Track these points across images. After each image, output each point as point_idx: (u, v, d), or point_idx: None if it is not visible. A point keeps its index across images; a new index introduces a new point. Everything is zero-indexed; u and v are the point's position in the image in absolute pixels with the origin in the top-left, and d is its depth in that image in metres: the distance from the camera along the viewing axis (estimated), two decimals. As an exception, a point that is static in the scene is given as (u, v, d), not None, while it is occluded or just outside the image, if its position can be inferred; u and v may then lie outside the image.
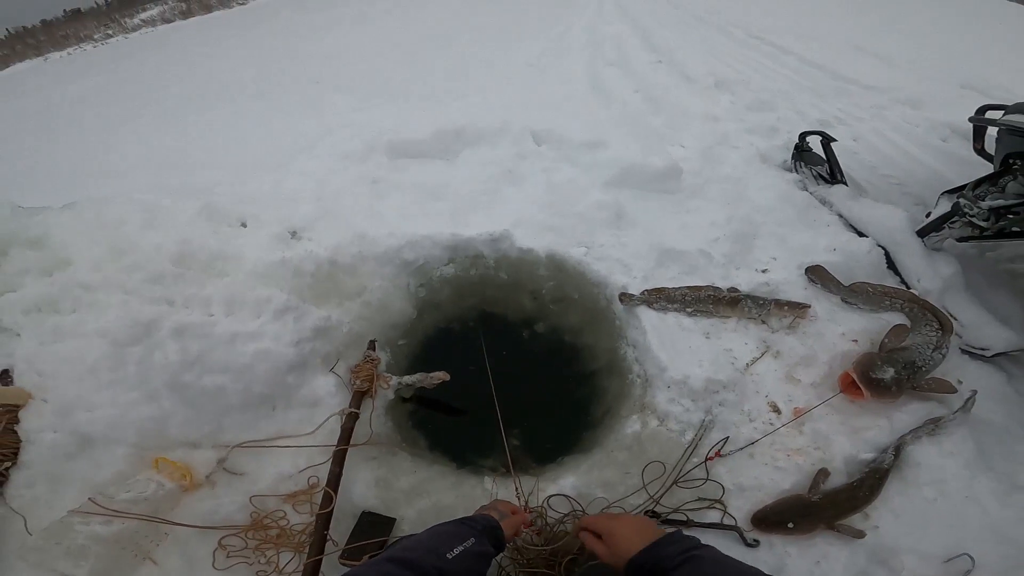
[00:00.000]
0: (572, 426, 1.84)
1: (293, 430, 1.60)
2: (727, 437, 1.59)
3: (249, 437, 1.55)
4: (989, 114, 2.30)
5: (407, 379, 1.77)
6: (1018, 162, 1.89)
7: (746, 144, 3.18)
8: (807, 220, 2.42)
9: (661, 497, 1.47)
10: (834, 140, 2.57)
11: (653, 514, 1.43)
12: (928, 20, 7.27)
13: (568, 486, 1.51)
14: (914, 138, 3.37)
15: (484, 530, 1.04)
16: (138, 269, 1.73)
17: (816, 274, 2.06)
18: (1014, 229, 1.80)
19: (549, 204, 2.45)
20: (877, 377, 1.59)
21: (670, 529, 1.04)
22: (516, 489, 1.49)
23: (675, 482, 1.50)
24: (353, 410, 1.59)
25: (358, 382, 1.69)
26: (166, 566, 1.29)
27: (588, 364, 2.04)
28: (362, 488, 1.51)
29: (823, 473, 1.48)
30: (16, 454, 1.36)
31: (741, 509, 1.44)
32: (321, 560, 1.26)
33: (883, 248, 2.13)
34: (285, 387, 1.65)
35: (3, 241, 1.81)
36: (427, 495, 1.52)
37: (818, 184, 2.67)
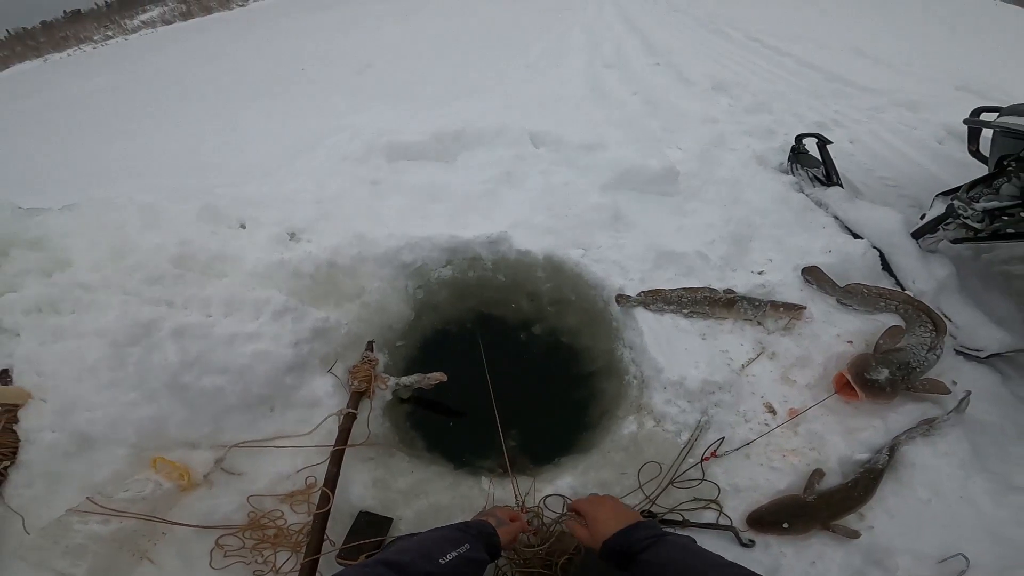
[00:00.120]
0: (569, 427, 1.84)
1: (291, 430, 1.60)
2: (723, 438, 1.60)
3: (247, 437, 1.55)
4: (984, 116, 2.32)
5: (405, 380, 1.78)
6: (1013, 164, 1.90)
7: (743, 146, 3.19)
8: (803, 222, 2.43)
9: (657, 497, 1.47)
10: (830, 142, 2.59)
11: (649, 514, 1.44)
12: (925, 23, 7.31)
13: (565, 486, 1.52)
14: (910, 140, 3.39)
15: (479, 536, 1.03)
16: (138, 270, 1.74)
17: (812, 275, 2.07)
18: (1008, 231, 1.82)
19: (547, 206, 2.46)
20: (872, 378, 1.60)
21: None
22: (514, 489, 1.50)
23: (671, 482, 1.50)
24: (351, 411, 1.60)
25: (356, 383, 1.69)
26: (164, 565, 1.29)
27: (585, 365, 2.04)
28: (359, 488, 1.52)
29: (818, 474, 1.49)
30: (15, 453, 1.36)
31: (737, 509, 1.45)
32: (318, 560, 1.26)
33: (878, 250, 2.14)
34: (283, 388, 1.65)
35: (3, 242, 1.81)
36: (424, 495, 1.52)
37: (814, 186, 2.68)
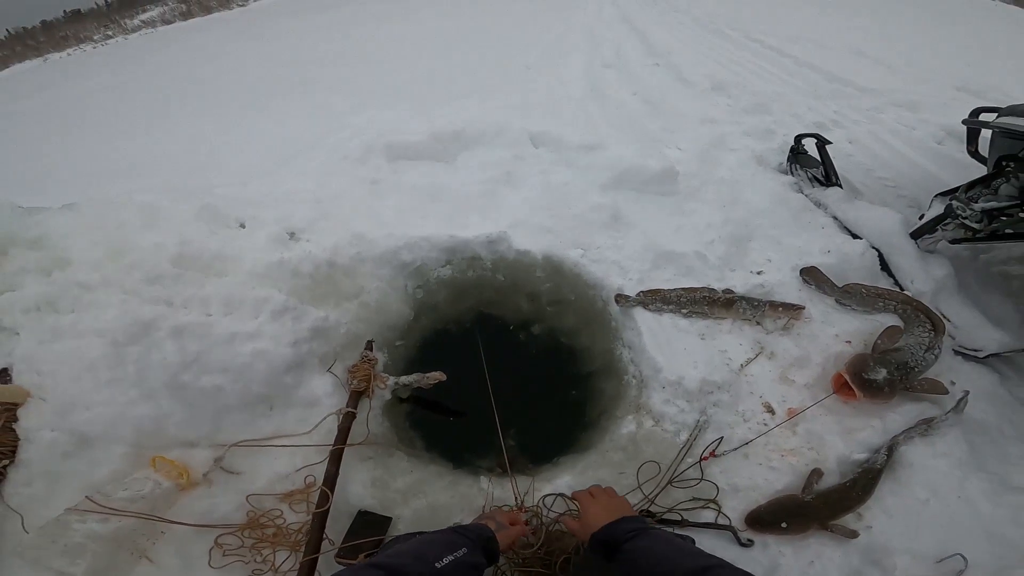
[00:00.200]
0: (568, 426, 1.85)
1: (290, 430, 1.60)
2: (721, 437, 1.60)
3: (246, 436, 1.56)
4: (983, 117, 2.32)
5: (404, 379, 1.78)
6: (1011, 164, 1.90)
7: (742, 147, 3.20)
8: (802, 222, 2.43)
9: (656, 497, 1.48)
10: (829, 142, 2.59)
11: (648, 514, 1.44)
12: (925, 23, 7.31)
13: (564, 486, 1.52)
14: (909, 140, 3.39)
15: (477, 540, 1.02)
16: (137, 269, 1.74)
17: (810, 276, 2.07)
18: (1007, 231, 1.82)
19: (546, 206, 2.46)
20: (870, 378, 1.60)
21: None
22: (513, 489, 1.50)
23: (670, 482, 1.51)
24: (350, 410, 1.60)
25: (355, 382, 1.70)
26: (162, 564, 1.30)
27: (584, 365, 2.05)
28: (358, 488, 1.52)
29: (816, 473, 1.49)
30: (14, 452, 1.37)
31: (735, 509, 1.45)
32: (317, 559, 1.26)
33: (877, 250, 2.15)
34: (283, 387, 1.66)
35: (3, 241, 1.81)
36: (423, 495, 1.52)
37: (813, 186, 2.69)
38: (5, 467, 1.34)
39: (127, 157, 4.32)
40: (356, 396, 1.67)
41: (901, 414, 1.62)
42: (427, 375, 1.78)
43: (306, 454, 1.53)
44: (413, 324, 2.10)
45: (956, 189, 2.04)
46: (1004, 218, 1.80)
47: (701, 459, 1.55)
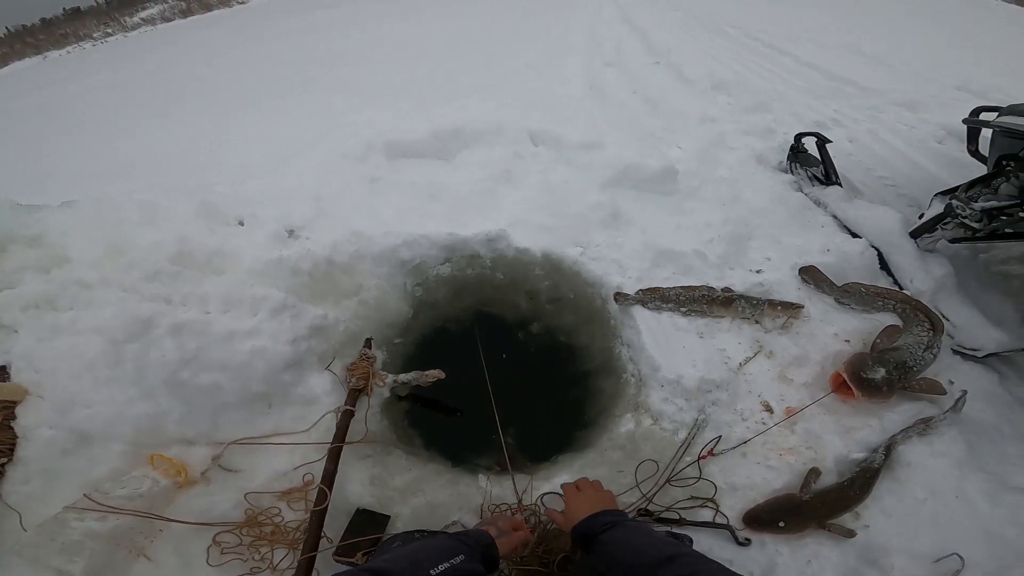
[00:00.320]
0: (567, 425, 1.85)
1: (289, 427, 1.60)
2: (720, 436, 1.60)
3: (245, 434, 1.56)
4: (983, 116, 2.32)
5: (402, 377, 1.78)
6: (1011, 164, 1.90)
7: (742, 145, 3.19)
8: (802, 221, 2.43)
9: (654, 495, 1.47)
10: (829, 141, 2.59)
11: (646, 512, 1.44)
12: (925, 22, 7.30)
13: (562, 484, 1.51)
14: (909, 140, 3.39)
15: (476, 547, 1.00)
16: (136, 267, 1.74)
17: (810, 275, 2.07)
18: (1006, 231, 1.82)
19: (546, 204, 2.46)
20: (868, 377, 1.60)
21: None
22: (513, 488, 1.50)
23: (668, 481, 1.51)
24: (349, 408, 1.60)
25: (354, 380, 1.70)
26: (161, 562, 1.30)
27: (583, 363, 2.05)
28: (357, 486, 1.52)
29: (814, 472, 1.49)
30: (12, 450, 1.36)
31: (733, 508, 1.45)
32: (315, 557, 1.26)
33: (876, 249, 2.15)
34: (281, 385, 1.65)
35: (2, 238, 1.81)
36: (422, 493, 1.52)
37: (813, 185, 2.68)
38: (3, 465, 1.34)
39: (126, 155, 4.32)
40: (355, 394, 1.66)
41: (899, 413, 1.62)
42: (426, 373, 1.78)
43: (304, 452, 1.53)
44: (412, 322, 2.10)
45: (956, 188, 2.04)
46: (1004, 217, 1.80)
47: (699, 458, 1.55)
